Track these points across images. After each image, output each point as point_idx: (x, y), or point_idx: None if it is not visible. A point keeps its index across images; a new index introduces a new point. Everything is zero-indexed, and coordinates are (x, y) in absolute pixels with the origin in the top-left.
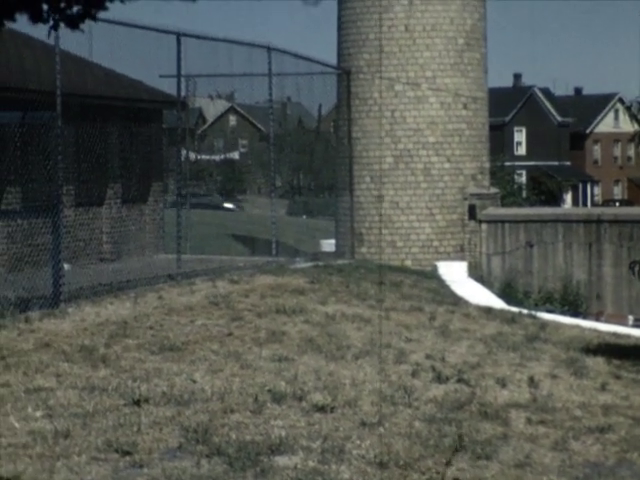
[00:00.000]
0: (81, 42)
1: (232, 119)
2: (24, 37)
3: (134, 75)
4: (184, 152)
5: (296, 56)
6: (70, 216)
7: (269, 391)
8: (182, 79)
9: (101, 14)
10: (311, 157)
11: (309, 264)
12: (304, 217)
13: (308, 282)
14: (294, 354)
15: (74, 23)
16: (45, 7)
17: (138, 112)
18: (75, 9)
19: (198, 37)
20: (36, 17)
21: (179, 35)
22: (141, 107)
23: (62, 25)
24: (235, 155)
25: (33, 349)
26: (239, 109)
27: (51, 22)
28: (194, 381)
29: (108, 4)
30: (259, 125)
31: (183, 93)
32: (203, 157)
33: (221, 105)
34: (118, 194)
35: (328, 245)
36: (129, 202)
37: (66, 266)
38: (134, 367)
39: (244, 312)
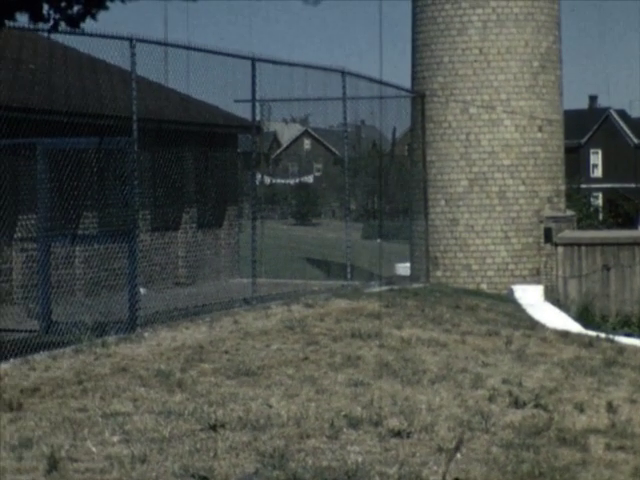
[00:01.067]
0: (157, 67)
1: (306, 143)
2: (102, 63)
3: (209, 100)
4: (259, 176)
5: (370, 80)
6: (146, 241)
7: (345, 416)
8: (257, 103)
9: (176, 40)
10: (385, 180)
11: (384, 288)
12: (378, 241)
13: (383, 306)
14: (370, 379)
15: (75, 22)
16: (46, 7)
17: (213, 137)
18: (76, 8)
19: (273, 62)
20: (37, 16)
21: (254, 60)
22: (216, 132)
23: (62, 24)
24: (309, 179)
25: (110, 374)
26: (313, 133)
27: (52, 21)
28: (270, 406)
29: (109, 4)
30: (333, 149)
31: (258, 117)
32: (278, 181)
33: (295, 129)
34: (194, 218)
35: (403, 269)
36: (204, 226)
37: (142, 290)
38: (210, 392)
39: (319, 336)
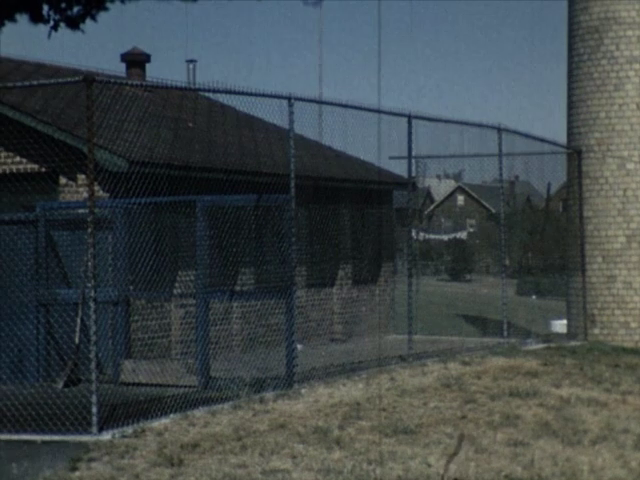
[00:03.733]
0: (312, 124)
1: (460, 198)
2: (259, 121)
3: (364, 157)
4: (413, 232)
5: (526, 136)
6: (302, 297)
7: (506, 477)
8: (412, 160)
9: (331, 98)
10: (540, 236)
11: (541, 345)
12: (533, 297)
13: (541, 364)
14: (529, 438)
15: (74, 23)
16: (46, 7)
17: (369, 193)
18: (75, 9)
19: (428, 119)
20: (37, 17)
21: (410, 117)
22: (372, 188)
23: (62, 25)
24: (463, 234)
25: (268, 430)
26: (467, 188)
27: (51, 22)
28: (429, 465)
29: (108, 4)
30: (487, 204)
31: (413, 174)
32: (431, 237)
33: (449, 185)
34: (349, 275)
35: (559, 326)
36: (360, 283)
37: (299, 346)
38: (368, 449)
39: (477, 394)
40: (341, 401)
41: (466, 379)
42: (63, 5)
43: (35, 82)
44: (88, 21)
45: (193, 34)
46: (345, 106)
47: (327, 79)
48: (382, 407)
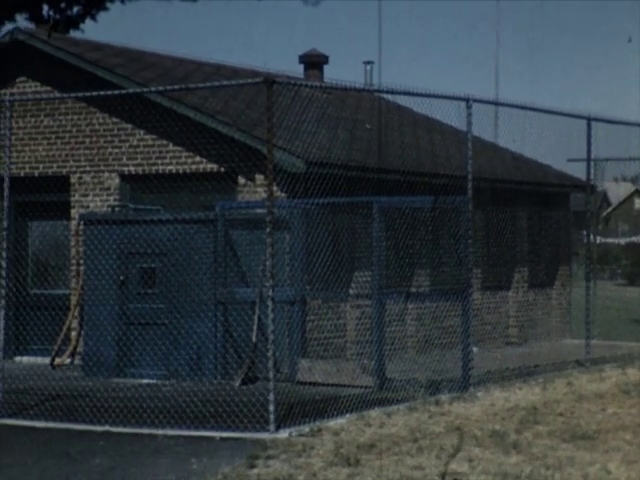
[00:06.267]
0: (488, 126)
1: (637, 202)
2: (436, 123)
3: (541, 159)
4: (591, 236)
5: None
6: (478, 299)
7: None
8: (591, 163)
9: (508, 99)
10: None
11: None
12: None
13: None
14: None
15: (74, 23)
16: (45, 7)
17: (546, 196)
18: (75, 9)
19: (608, 121)
20: (37, 17)
21: (589, 119)
22: (549, 191)
23: (62, 25)
24: None
25: (444, 432)
26: None
27: (51, 22)
28: (609, 472)
29: (109, 4)
30: None
31: (591, 176)
32: (607, 240)
33: (626, 188)
34: (525, 278)
35: None
36: (536, 286)
37: (474, 349)
38: (546, 455)
39: None
40: (517, 405)
41: None
42: (63, 5)
43: (217, 83)
44: (268, 23)
45: (371, 35)
46: (523, 108)
47: (503, 79)
48: (559, 412)
